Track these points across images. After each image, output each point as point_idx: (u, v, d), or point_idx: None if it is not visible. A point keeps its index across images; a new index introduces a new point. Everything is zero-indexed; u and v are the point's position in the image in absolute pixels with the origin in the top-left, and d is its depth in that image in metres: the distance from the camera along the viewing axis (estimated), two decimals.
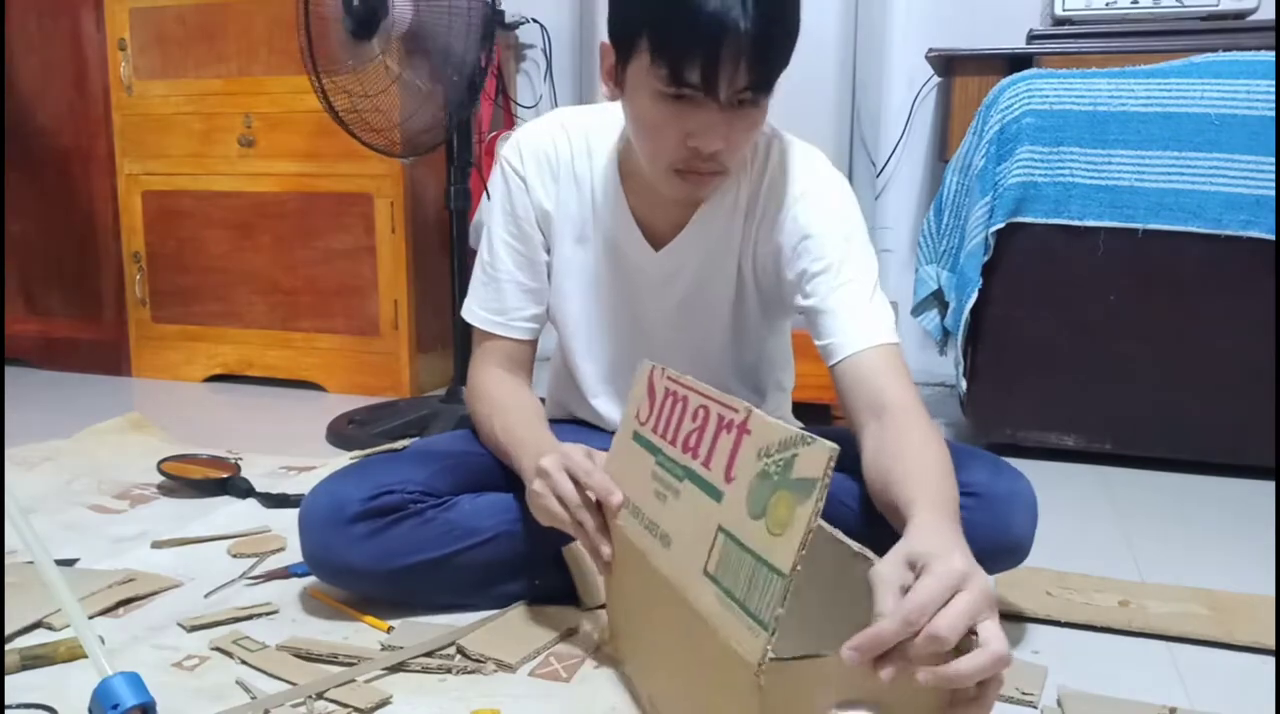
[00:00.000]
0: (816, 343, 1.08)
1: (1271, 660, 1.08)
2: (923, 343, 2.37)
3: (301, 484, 1.64)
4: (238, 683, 0.99)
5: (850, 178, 1.87)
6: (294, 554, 1.27)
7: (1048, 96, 1.76)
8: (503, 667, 1.02)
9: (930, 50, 2.19)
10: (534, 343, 1.22)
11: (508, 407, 1.16)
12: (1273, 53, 1.69)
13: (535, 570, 1.15)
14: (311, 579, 1.21)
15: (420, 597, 1.15)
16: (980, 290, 1.83)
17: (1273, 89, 1.66)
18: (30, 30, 2.61)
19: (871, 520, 0.96)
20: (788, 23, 0.96)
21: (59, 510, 1.55)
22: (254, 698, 0.96)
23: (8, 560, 1.27)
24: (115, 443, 1.92)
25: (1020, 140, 1.77)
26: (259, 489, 1.61)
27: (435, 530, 1.12)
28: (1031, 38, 2.13)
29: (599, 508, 0.96)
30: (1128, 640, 1.13)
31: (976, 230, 1.83)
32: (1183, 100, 1.71)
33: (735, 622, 0.71)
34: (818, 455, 0.69)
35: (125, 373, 2.68)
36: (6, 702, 0.94)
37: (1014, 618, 1.16)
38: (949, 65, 2.18)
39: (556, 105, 2.76)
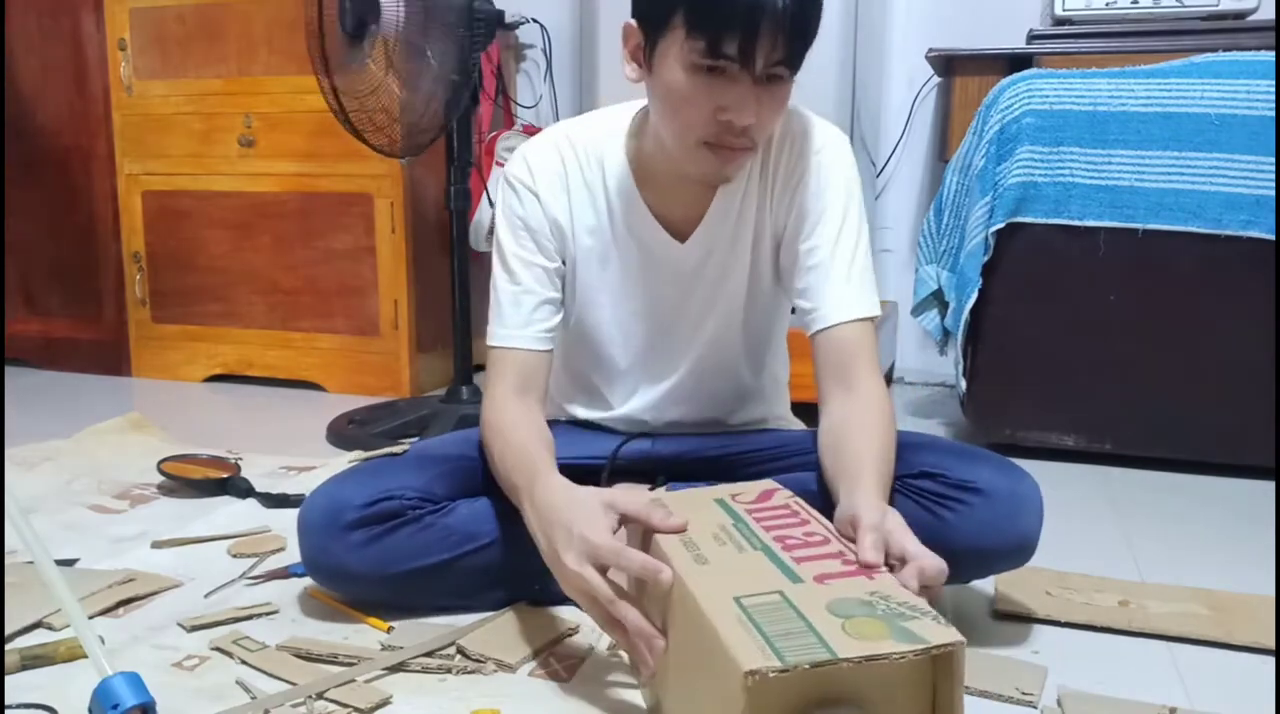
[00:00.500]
0: (797, 303, 1.14)
1: (1271, 660, 1.08)
2: (923, 343, 2.37)
3: (301, 484, 1.64)
4: (238, 683, 0.99)
5: None
6: (294, 554, 1.27)
7: (1048, 96, 1.76)
8: (503, 667, 1.02)
9: (930, 50, 2.19)
10: (550, 354, 1.18)
11: (509, 437, 1.09)
12: (1273, 53, 1.69)
13: (535, 575, 1.15)
14: (311, 579, 1.21)
15: (419, 601, 1.15)
16: (980, 290, 1.83)
17: (1273, 89, 1.66)
18: (30, 30, 2.61)
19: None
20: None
21: (59, 510, 1.55)
22: (254, 698, 0.96)
23: (8, 560, 1.27)
24: (115, 443, 1.92)
25: (1020, 140, 1.77)
26: (259, 489, 1.61)
27: (433, 536, 1.11)
28: (1031, 38, 2.13)
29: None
30: (1128, 640, 1.13)
31: (976, 230, 1.83)
32: (1183, 100, 1.71)
33: (748, 640, 0.69)
34: (940, 633, 0.69)
35: (125, 373, 2.68)
36: (6, 702, 0.94)
37: (1014, 618, 1.16)
38: (949, 65, 2.18)
39: (556, 105, 2.76)
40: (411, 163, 2.18)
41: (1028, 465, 1.11)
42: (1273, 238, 1.69)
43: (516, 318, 1.16)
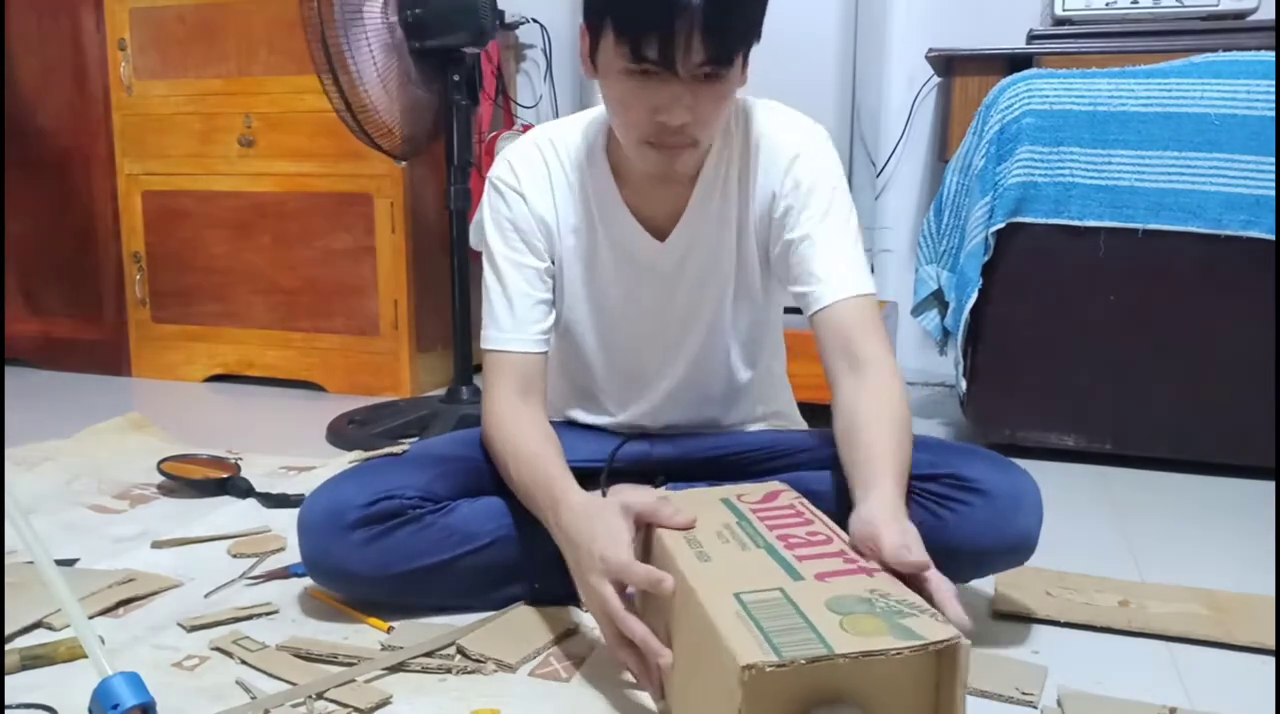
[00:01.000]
0: (793, 290, 1.13)
1: (1271, 660, 1.08)
2: (923, 343, 2.37)
3: (301, 484, 1.64)
4: (238, 683, 0.99)
5: (850, 178, 1.87)
6: (294, 554, 1.27)
7: (1048, 96, 1.76)
8: (503, 667, 1.02)
9: (930, 50, 2.19)
10: (546, 356, 1.19)
11: (520, 450, 1.10)
12: (1273, 53, 1.69)
13: (535, 574, 1.15)
14: (311, 579, 1.21)
15: (420, 601, 1.15)
16: (980, 290, 1.83)
17: (1273, 89, 1.66)
18: (30, 30, 2.61)
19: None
20: None
21: (59, 510, 1.55)
22: (254, 698, 0.96)
23: (8, 560, 1.27)
24: (115, 443, 1.92)
25: (1020, 140, 1.77)
26: (259, 489, 1.61)
27: (434, 536, 1.12)
28: (1031, 38, 2.13)
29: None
30: (1128, 640, 1.13)
31: (976, 230, 1.83)
32: (1183, 100, 1.71)
33: (746, 635, 0.69)
34: (938, 630, 0.69)
35: (125, 373, 2.69)
36: (6, 702, 0.94)
37: (1014, 618, 1.16)
38: (949, 65, 2.18)
39: (556, 105, 2.76)
40: (406, 164, 2.18)
41: (1028, 465, 1.11)
42: (1273, 238, 1.69)
43: (510, 321, 1.16)
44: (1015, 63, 2.01)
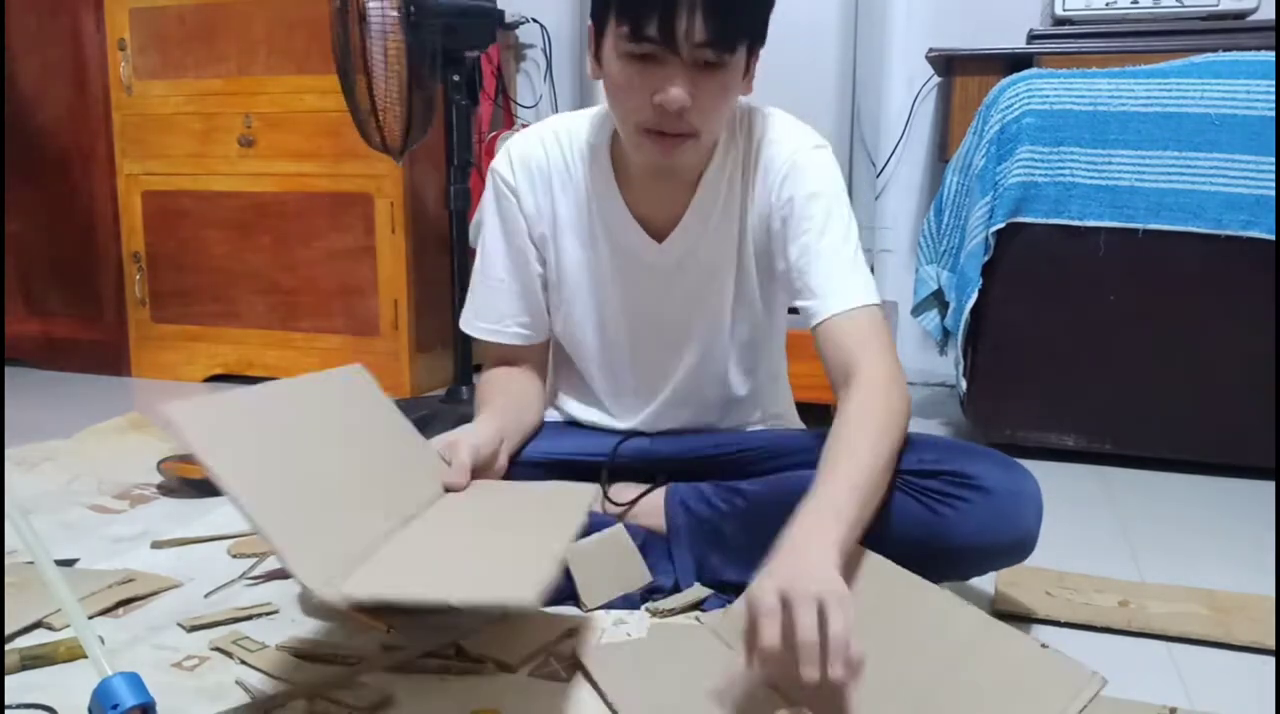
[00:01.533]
0: (795, 305, 1.13)
1: (1271, 660, 1.08)
2: (923, 343, 2.37)
3: None
4: (238, 683, 0.99)
5: (850, 178, 1.87)
6: None
7: (1048, 96, 1.76)
8: (503, 667, 1.02)
9: (930, 50, 2.19)
10: (530, 348, 1.24)
11: (480, 391, 1.23)
12: (1273, 53, 1.69)
13: None
14: None
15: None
16: (980, 290, 1.83)
17: (1273, 89, 1.66)
18: (30, 30, 2.61)
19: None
20: None
21: (59, 510, 1.55)
22: (254, 698, 0.96)
23: (8, 560, 1.27)
24: (115, 443, 1.92)
25: (1020, 140, 1.77)
26: None
27: None
28: (1031, 38, 2.13)
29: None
30: (1128, 640, 1.13)
31: (977, 230, 1.83)
32: (1183, 100, 1.71)
33: None
34: None
35: (125, 373, 2.68)
36: (6, 702, 0.94)
37: (1014, 617, 1.16)
38: (949, 65, 2.18)
39: (556, 105, 2.76)
40: (405, 162, 2.18)
41: (1028, 465, 1.11)
42: (1273, 238, 1.69)
43: (490, 313, 1.22)
44: (1015, 63, 2.01)
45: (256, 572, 1.29)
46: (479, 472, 1.09)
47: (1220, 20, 2.02)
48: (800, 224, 1.11)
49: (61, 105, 2.62)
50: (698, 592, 1.15)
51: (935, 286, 1.97)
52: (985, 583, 1.21)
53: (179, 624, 1.13)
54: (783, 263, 1.13)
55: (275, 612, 1.16)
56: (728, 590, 1.14)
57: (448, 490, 1.05)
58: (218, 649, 1.06)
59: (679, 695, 0.90)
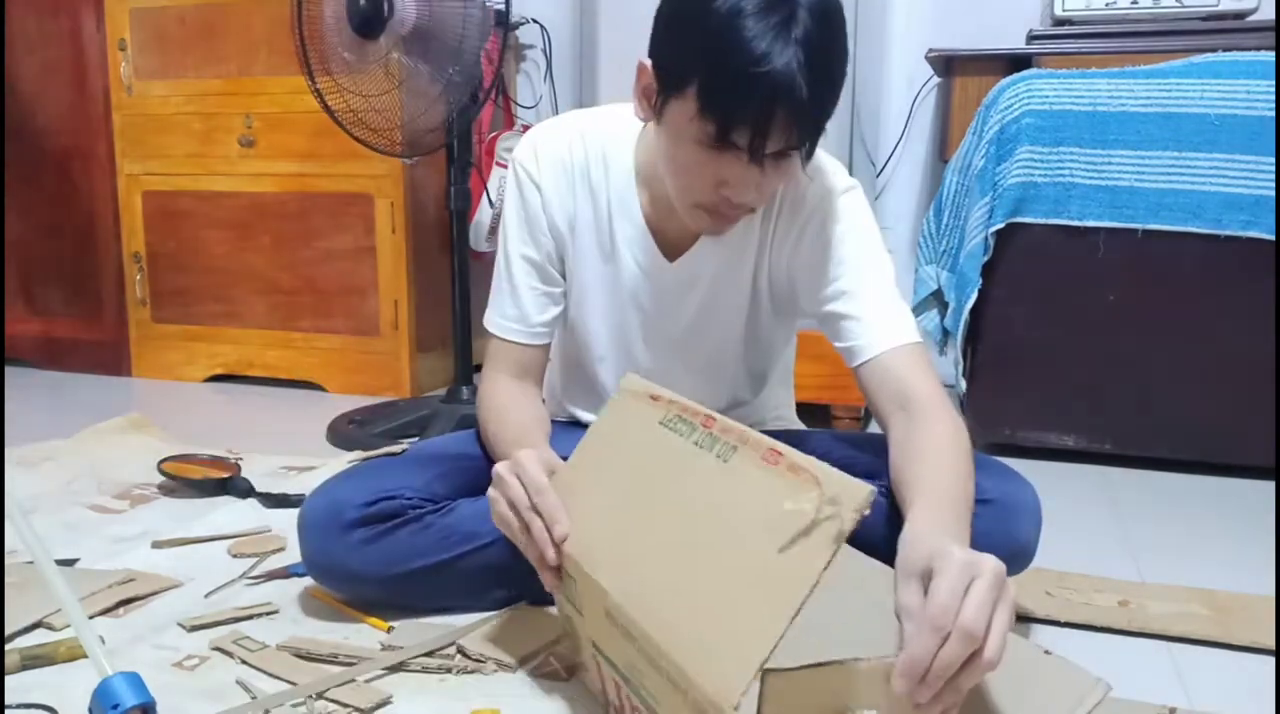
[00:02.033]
0: (837, 345, 1.08)
1: (1271, 660, 1.08)
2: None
3: (302, 484, 1.64)
4: (238, 683, 0.99)
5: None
6: (294, 554, 1.27)
7: (1047, 97, 1.76)
8: (503, 667, 1.02)
9: (930, 50, 2.19)
10: (548, 348, 1.22)
11: (505, 414, 1.14)
12: (1273, 53, 1.69)
13: (536, 574, 1.15)
14: (311, 579, 1.21)
15: (420, 601, 1.15)
16: (980, 290, 1.83)
17: (1273, 89, 1.66)
18: (30, 30, 2.61)
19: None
20: (836, 81, 0.92)
21: (59, 510, 1.55)
22: (254, 698, 0.96)
23: (8, 560, 1.27)
24: (115, 443, 1.92)
25: (1020, 140, 1.77)
26: (259, 489, 1.61)
27: (434, 536, 1.11)
28: (1031, 38, 2.13)
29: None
30: (1128, 640, 1.13)
31: (976, 230, 1.83)
32: (1183, 100, 1.71)
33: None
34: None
35: (125, 373, 2.69)
36: (6, 702, 0.94)
37: (1014, 618, 1.16)
38: (949, 65, 2.18)
39: (556, 105, 2.76)
40: (415, 163, 2.18)
41: (1028, 465, 1.11)
42: (1273, 238, 1.69)
43: (513, 311, 1.18)
44: (1015, 63, 2.01)
45: (256, 572, 1.30)
46: None
47: (1220, 20, 2.02)
48: (838, 266, 1.07)
49: (62, 105, 2.62)
50: None
51: (935, 286, 1.97)
52: None
53: (179, 624, 1.13)
54: (819, 305, 1.09)
55: (275, 612, 1.16)
56: None
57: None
58: (218, 649, 1.06)
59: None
